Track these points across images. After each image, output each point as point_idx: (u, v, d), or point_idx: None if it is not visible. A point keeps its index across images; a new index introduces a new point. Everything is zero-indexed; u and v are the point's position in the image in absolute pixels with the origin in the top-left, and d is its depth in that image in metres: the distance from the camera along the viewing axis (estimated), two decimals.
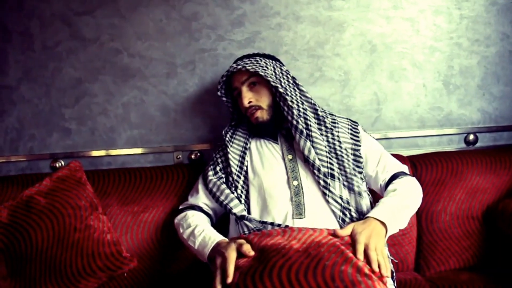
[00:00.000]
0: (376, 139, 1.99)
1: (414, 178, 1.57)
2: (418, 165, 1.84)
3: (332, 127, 1.60)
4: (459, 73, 2.04)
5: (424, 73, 2.03)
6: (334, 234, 1.29)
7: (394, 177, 1.55)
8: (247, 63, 1.57)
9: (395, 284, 1.46)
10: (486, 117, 2.07)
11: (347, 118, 1.69)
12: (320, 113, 1.60)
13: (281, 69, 1.63)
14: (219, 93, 1.66)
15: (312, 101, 1.62)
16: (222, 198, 1.54)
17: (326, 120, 1.60)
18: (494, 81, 2.05)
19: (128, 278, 1.70)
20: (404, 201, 1.45)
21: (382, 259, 1.23)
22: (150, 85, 1.96)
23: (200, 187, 1.65)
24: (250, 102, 1.57)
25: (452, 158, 1.85)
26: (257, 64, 1.57)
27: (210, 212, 1.63)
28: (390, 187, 1.51)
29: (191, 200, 1.65)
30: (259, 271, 1.15)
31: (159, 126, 1.98)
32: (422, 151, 2.00)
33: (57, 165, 1.97)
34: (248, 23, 1.95)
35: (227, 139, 1.65)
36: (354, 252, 1.23)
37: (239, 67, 1.55)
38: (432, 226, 1.78)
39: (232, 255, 1.26)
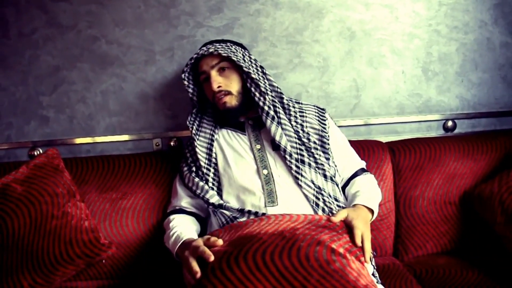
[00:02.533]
0: (355, 125, 2.04)
1: (373, 175, 1.66)
2: (396, 150, 1.86)
3: (297, 116, 1.59)
4: (438, 60, 2.05)
5: (403, 60, 2.03)
6: (328, 219, 1.29)
7: (355, 174, 1.62)
8: (218, 48, 1.53)
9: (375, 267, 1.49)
10: (465, 104, 2.09)
11: (313, 105, 1.68)
12: (286, 102, 1.58)
13: (250, 57, 1.61)
14: (183, 76, 1.60)
15: (279, 90, 1.59)
16: (198, 191, 1.54)
17: (291, 108, 1.59)
18: (472, 68, 2.07)
19: (106, 265, 1.70)
20: (376, 193, 1.56)
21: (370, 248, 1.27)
22: (129, 73, 1.95)
23: (178, 186, 1.64)
24: (219, 86, 1.53)
25: (430, 144, 1.87)
26: (229, 50, 1.54)
27: (193, 209, 1.62)
28: (357, 183, 1.59)
29: (173, 202, 1.65)
30: (234, 255, 1.16)
31: (138, 113, 1.97)
32: (401, 137, 2.01)
33: (35, 153, 1.95)
34: (226, 9, 1.93)
35: (193, 132, 1.61)
36: (352, 237, 1.24)
37: (210, 50, 1.52)
38: (410, 211, 1.80)
39: (190, 258, 1.25)
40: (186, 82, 1.62)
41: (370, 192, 1.51)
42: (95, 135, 1.98)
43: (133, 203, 1.74)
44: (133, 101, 1.96)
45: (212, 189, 1.55)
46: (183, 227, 1.50)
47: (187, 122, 1.63)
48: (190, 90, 1.64)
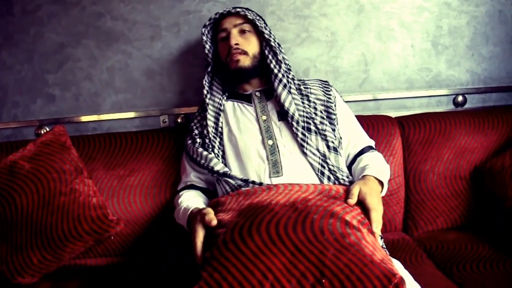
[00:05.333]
0: (364, 100, 2.02)
1: (381, 154, 1.61)
2: (406, 125, 1.83)
3: (301, 88, 1.60)
4: (447, 34, 2.01)
5: (412, 34, 2.00)
6: (341, 195, 1.29)
7: (362, 151, 1.58)
8: (245, 10, 1.58)
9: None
10: (475, 78, 2.06)
11: (316, 79, 1.70)
12: (291, 76, 1.60)
13: (269, 30, 1.62)
14: (203, 30, 1.62)
15: (289, 66, 1.61)
16: (202, 161, 1.54)
17: (296, 82, 1.60)
18: (483, 41, 2.03)
19: (115, 242, 1.71)
20: (385, 168, 1.51)
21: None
22: (134, 49, 1.93)
23: (185, 162, 1.65)
24: (237, 44, 1.55)
25: (441, 118, 1.84)
26: (254, 15, 1.60)
27: (203, 184, 1.63)
28: (365, 159, 1.54)
29: (183, 178, 1.66)
30: (246, 227, 1.14)
31: (145, 90, 1.96)
32: (410, 112, 1.98)
33: (42, 131, 1.94)
34: None
35: (207, 101, 1.61)
36: (370, 219, 1.23)
37: (238, 9, 1.56)
38: (419, 186, 1.78)
39: (198, 230, 1.28)
40: (204, 38, 1.64)
41: (379, 166, 1.48)
42: (101, 113, 1.96)
43: (140, 179, 1.74)
44: (139, 78, 1.95)
45: (218, 156, 1.55)
46: (191, 200, 1.51)
47: (203, 81, 1.62)
48: (207, 47, 1.64)
